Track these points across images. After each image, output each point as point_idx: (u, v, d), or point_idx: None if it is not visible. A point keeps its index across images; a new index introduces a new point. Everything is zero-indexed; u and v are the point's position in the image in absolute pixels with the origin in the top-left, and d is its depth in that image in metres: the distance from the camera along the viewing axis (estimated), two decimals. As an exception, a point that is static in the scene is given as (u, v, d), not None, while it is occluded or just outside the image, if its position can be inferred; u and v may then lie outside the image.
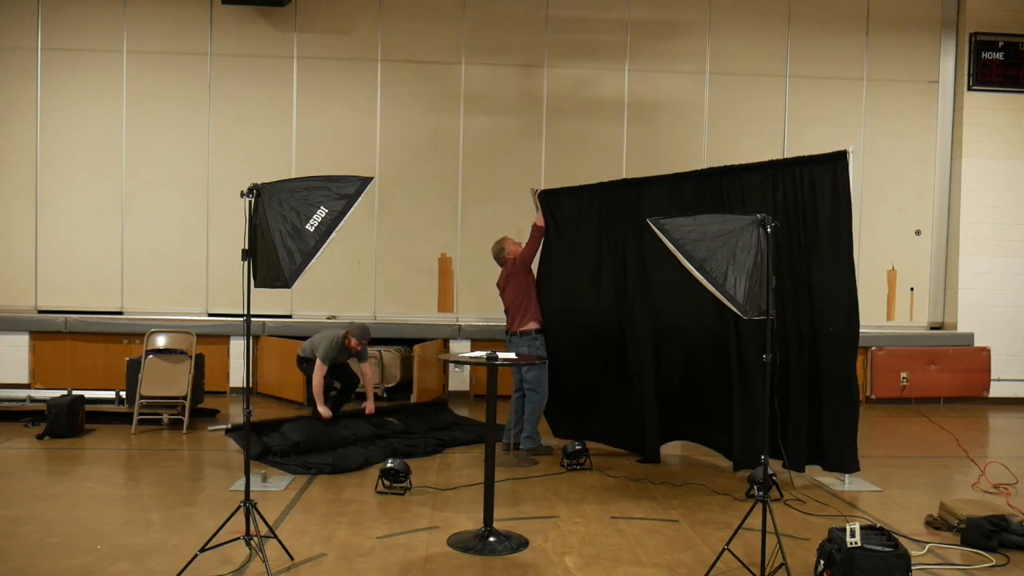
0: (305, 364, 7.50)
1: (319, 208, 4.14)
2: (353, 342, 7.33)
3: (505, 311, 7.01)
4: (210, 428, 7.62)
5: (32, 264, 9.75)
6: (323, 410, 7.19)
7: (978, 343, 10.04)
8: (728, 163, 6.34)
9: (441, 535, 4.76)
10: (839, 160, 5.73)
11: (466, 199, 10.03)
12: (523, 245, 7.00)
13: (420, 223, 10.00)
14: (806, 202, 5.85)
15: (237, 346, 9.48)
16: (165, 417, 7.68)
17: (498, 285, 7.11)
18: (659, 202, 6.33)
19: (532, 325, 6.81)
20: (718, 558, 4.22)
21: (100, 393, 7.94)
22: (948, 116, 10.33)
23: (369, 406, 7.51)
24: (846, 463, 5.86)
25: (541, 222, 6.98)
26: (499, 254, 7.06)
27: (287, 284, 4.10)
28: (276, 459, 6.35)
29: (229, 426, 7.23)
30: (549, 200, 7.08)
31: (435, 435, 7.31)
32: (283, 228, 4.09)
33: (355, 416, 7.44)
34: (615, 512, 5.31)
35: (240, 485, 5.51)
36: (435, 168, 10.01)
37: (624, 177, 6.80)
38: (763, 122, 10.18)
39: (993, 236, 10.17)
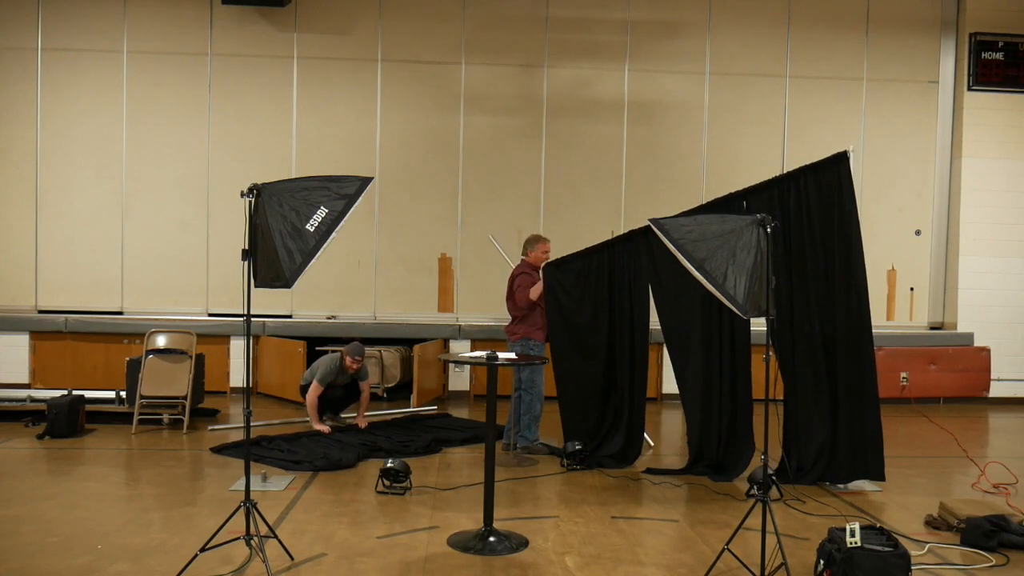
0: (306, 389, 7.57)
1: (319, 208, 4.14)
2: (348, 361, 7.42)
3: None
4: (210, 428, 7.63)
5: (32, 264, 9.75)
6: (320, 427, 7.30)
7: (978, 343, 10.04)
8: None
9: (441, 535, 4.76)
10: (842, 161, 5.74)
11: (466, 199, 10.03)
12: (542, 267, 6.85)
13: (420, 223, 10.00)
14: (812, 209, 5.87)
15: (237, 346, 9.48)
16: (165, 417, 7.68)
17: (510, 278, 6.99)
18: None
19: (523, 332, 6.83)
20: (718, 558, 4.22)
21: (100, 393, 7.93)
22: (948, 116, 10.33)
23: (361, 421, 7.60)
24: (871, 471, 5.89)
25: (536, 295, 6.73)
26: (524, 248, 6.99)
27: (287, 284, 4.10)
28: (261, 452, 6.42)
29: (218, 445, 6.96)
30: (555, 272, 6.76)
31: (431, 433, 7.38)
32: (283, 228, 4.09)
33: (350, 430, 7.48)
34: (615, 512, 5.31)
35: (240, 485, 5.51)
36: (435, 168, 10.01)
37: (631, 228, 6.60)
38: (763, 122, 10.18)
39: (993, 236, 10.17)
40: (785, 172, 6.09)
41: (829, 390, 5.92)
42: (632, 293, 6.52)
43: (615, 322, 6.59)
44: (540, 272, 6.84)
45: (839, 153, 5.77)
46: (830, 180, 5.81)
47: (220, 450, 6.72)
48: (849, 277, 5.81)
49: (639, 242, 6.46)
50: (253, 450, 6.33)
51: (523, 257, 6.99)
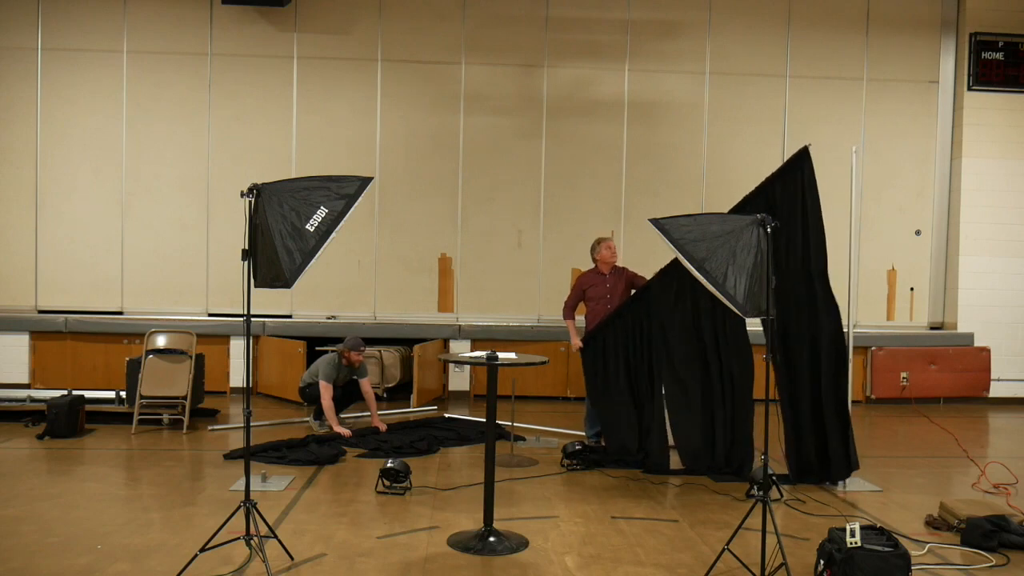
0: (309, 389, 7.55)
1: (319, 208, 4.14)
2: (353, 356, 7.40)
3: None
4: (210, 428, 7.63)
5: (32, 264, 9.75)
6: (341, 430, 7.21)
7: (978, 343, 10.04)
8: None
9: (441, 535, 4.76)
10: (805, 160, 5.74)
11: (466, 199, 10.04)
12: (600, 266, 7.02)
13: (420, 223, 10.00)
14: (779, 210, 5.80)
15: (237, 346, 9.48)
16: (165, 417, 7.68)
17: None
18: (668, 292, 6.26)
19: (587, 327, 6.98)
20: (718, 558, 4.22)
21: (100, 393, 7.94)
22: (948, 116, 10.33)
23: (379, 423, 7.50)
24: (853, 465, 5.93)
25: (569, 311, 7.11)
26: (591, 255, 7.08)
27: (287, 284, 4.10)
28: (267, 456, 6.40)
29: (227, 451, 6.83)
30: (586, 349, 6.82)
31: (425, 431, 7.42)
32: (283, 228, 4.09)
33: (372, 433, 7.34)
34: (615, 512, 5.31)
35: (240, 485, 5.51)
36: (435, 168, 10.01)
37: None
38: (763, 122, 10.18)
39: (993, 236, 10.17)
40: (758, 185, 6.00)
41: (814, 389, 5.94)
42: (651, 322, 6.47)
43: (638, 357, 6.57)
44: (602, 273, 7.00)
45: (800, 151, 5.77)
46: (797, 180, 5.77)
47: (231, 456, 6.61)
48: (822, 275, 5.82)
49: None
50: (260, 455, 6.36)
51: (593, 265, 7.07)
